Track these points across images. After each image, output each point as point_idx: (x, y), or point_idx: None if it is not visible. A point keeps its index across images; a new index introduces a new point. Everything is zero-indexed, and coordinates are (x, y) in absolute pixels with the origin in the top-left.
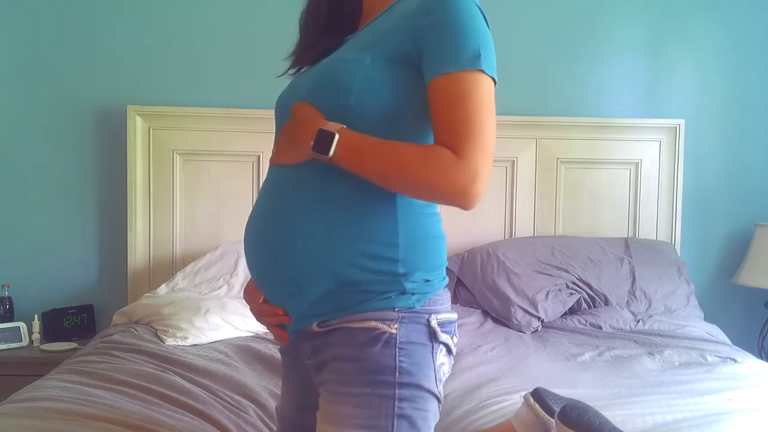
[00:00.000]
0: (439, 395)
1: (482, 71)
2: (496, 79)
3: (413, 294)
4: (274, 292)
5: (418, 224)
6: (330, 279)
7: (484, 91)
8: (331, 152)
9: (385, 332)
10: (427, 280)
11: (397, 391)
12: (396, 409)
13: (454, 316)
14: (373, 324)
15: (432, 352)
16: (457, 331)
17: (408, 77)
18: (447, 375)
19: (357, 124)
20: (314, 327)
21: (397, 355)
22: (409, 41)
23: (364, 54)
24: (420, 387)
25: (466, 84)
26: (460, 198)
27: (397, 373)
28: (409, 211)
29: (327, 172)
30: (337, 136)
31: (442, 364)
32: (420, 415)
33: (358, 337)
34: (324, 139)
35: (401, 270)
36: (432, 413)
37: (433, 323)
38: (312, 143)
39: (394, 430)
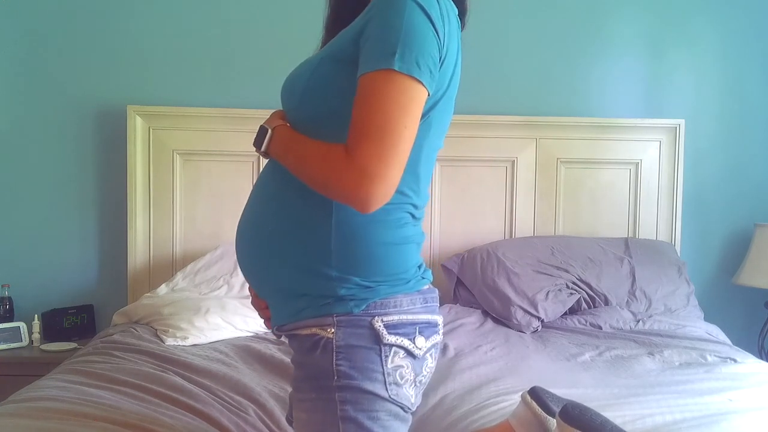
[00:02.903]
0: (391, 398)
1: (395, 70)
2: (420, 78)
3: (351, 300)
4: (254, 287)
5: (358, 231)
6: (279, 286)
7: (394, 90)
8: (263, 147)
9: (323, 337)
10: (367, 287)
11: (337, 394)
12: (339, 411)
13: (420, 317)
14: (314, 330)
15: (380, 355)
16: (433, 332)
17: (350, 77)
18: (413, 378)
19: (305, 124)
20: (275, 329)
21: (334, 359)
22: (350, 41)
23: (318, 56)
24: (362, 389)
25: (374, 84)
26: (350, 199)
27: (335, 377)
28: (348, 217)
29: (279, 183)
30: (270, 132)
31: (399, 367)
32: (367, 416)
33: (304, 344)
34: (261, 135)
35: (334, 274)
36: (386, 413)
37: (377, 325)
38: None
39: None
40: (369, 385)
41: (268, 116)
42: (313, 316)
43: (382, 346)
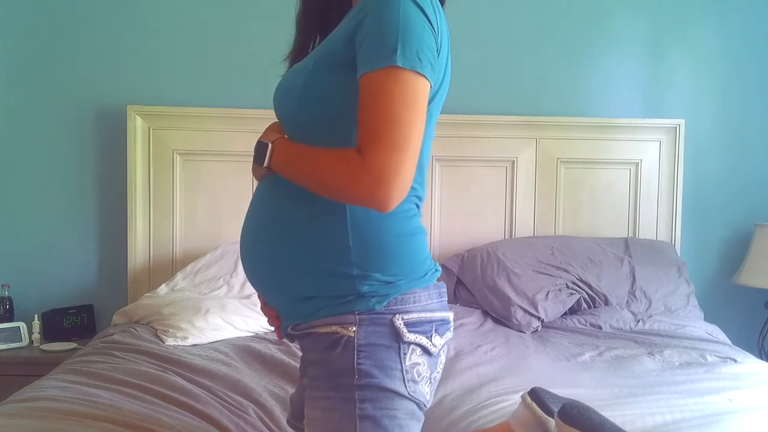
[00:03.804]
0: (410, 395)
1: (398, 67)
2: (423, 72)
3: (373, 296)
4: (262, 294)
5: (374, 226)
6: (292, 291)
7: (399, 88)
8: (266, 162)
9: (344, 336)
10: (388, 282)
11: (357, 393)
12: (358, 410)
13: (437, 315)
14: (334, 328)
15: (399, 353)
16: (446, 329)
17: (348, 79)
18: (429, 375)
19: (306, 131)
20: (289, 330)
21: (355, 357)
22: (343, 43)
23: (310, 60)
24: (382, 388)
25: (378, 83)
26: (368, 201)
27: (356, 376)
28: (363, 215)
29: (280, 194)
30: (270, 147)
31: (416, 364)
32: (386, 415)
33: (322, 342)
34: (261, 151)
35: (355, 272)
36: (403, 412)
37: (397, 323)
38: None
39: (358, 430)
40: (389, 383)
41: (264, 132)
42: (332, 314)
43: (401, 344)
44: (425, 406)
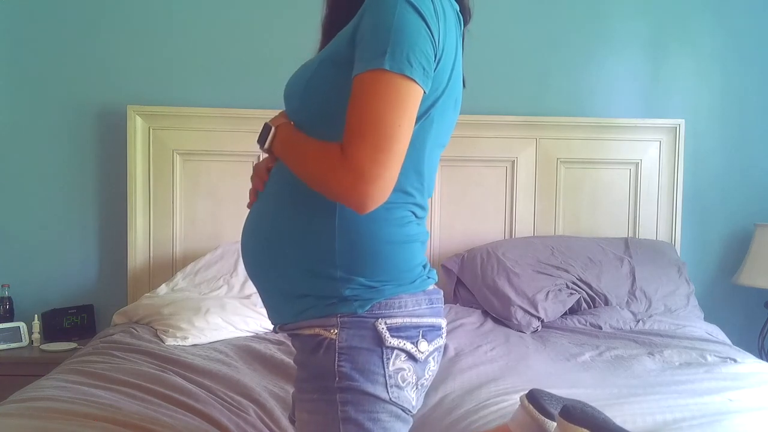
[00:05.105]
0: (392, 400)
1: (385, 70)
2: (412, 76)
3: (355, 300)
4: (257, 289)
5: (362, 231)
6: (283, 287)
7: (386, 90)
8: (266, 144)
9: (326, 338)
10: (372, 287)
11: (338, 395)
12: (340, 412)
13: (425, 320)
14: (317, 330)
15: (382, 357)
16: (436, 336)
17: (349, 78)
18: (415, 381)
19: (306, 126)
20: (277, 328)
21: (336, 360)
22: (346, 42)
23: (317, 58)
24: (363, 392)
25: (366, 85)
26: (346, 199)
27: (336, 378)
28: (352, 218)
29: (280, 188)
30: (273, 130)
31: (401, 369)
32: (368, 417)
33: (307, 344)
34: (264, 132)
35: (339, 275)
36: (387, 415)
37: (380, 328)
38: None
39: None
40: (370, 387)
41: (274, 116)
42: (317, 317)
43: (384, 349)
44: (411, 411)
